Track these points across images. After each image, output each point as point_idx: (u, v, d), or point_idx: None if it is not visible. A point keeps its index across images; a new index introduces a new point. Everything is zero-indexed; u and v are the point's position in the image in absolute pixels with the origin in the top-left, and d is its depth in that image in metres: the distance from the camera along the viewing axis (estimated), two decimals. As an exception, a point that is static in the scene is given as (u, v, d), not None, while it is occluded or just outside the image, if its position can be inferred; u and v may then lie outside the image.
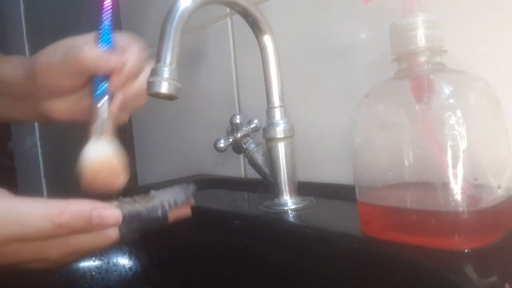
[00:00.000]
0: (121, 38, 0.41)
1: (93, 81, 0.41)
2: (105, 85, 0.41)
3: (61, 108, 0.44)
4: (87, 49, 0.39)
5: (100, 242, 0.32)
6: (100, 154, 0.38)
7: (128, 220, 0.32)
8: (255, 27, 0.45)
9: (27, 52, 1.24)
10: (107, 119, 0.40)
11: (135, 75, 0.41)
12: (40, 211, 0.29)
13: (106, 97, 0.40)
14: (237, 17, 0.54)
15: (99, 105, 0.40)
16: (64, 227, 0.29)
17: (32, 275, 0.50)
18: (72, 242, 0.31)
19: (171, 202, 0.35)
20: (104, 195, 0.36)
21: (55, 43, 0.42)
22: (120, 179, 0.38)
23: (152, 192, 0.41)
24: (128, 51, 0.40)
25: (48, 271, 0.51)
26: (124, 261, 0.55)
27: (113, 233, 0.32)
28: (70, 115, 0.45)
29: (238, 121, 0.52)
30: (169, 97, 0.37)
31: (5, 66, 0.45)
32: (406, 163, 0.30)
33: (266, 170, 0.48)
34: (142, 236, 0.57)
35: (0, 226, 0.28)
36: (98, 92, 0.41)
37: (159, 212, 0.34)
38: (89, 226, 0.30)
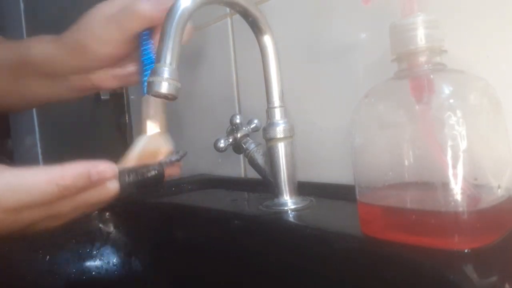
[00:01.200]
0: None
1: (141, 64, 0.42)
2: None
3: (110, 76, 0.45)
4: (141, 2, 0.40)
5: (104, 195, 0.34)
6: (150, 149, 0.40)
7: (127, 173, 0.35)
8: (255, 27, 0.45)
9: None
10: (160, 111, 0.42)
11: None
12: (44, 177, 0.31)
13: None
14: (237, 17, 0.54)
15: (150, 97, 0.41)
16: (68, 188, 0.31)
17: (33, 275, 0.51)
18: (79, 198, 0.33)
19: (167, 160, 0.39)
20: None
21: (90, 13, 0.43)
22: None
23: None
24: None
25: (49, 271, 0.51)
26: (124, 261, 0.55)
27: (114, 186, 0.34)
28: (117, 82, 0.46)
29: (238, 121, 0.52)
30: (169, 97, 0.37)
31: (35, 47, 0.46)
32: (406, 163, 0.30)
33: (266, 170, 0.48)
34: (142, 235, 0.57)
35: (10, 196, 0.30)
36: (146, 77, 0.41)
37: (156, 167, 0.37)
38: (90, 183, 0.32)
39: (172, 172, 0.39)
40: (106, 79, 0.46)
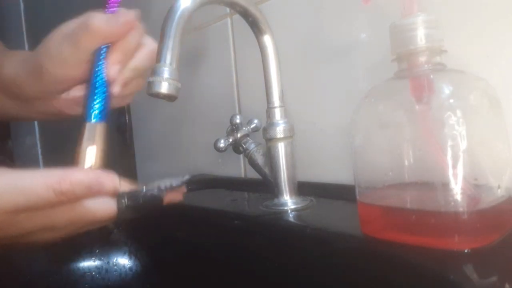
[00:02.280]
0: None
1: (88, 88, 0.39)
2: (103, 96, 0.39)
3: (70, 100, 0.42)
4: (96, 15, 0.38)
5: (100, 214, 0.33)
6: None
7: (125, 196, 0.34)
8: (255, 27, 0.45)
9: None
10: (101, 143, 0.38)
11: (137, 43, 0.40)
12: (42, 181, 0.30)
13: (101, 112, 0.38)
14: (237, 17, 0.54)
15: (92, 122, 0.38)
16: (65, 194, 0.30)
17: (33, 275, 0.51)
18: (75, 210, 0.32)
19: (167, 185, 0.37)
20: None
21: (51, 33, 0.40)
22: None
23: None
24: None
25: (49, 271, 0.51)
26: (124, 261, 0.55)
27: (111, 207, 0.33)
28: (81, 107, 0.42)
29: (238, 121, 0.52)
30: (169, 97, 0.37)
31: (8, 63, 0.43)
32: (406, 163, 0.30)
33: (266, 170, 0.48)
34: (142, 235, 0.57)
35: (7, 198, 0.29)
36: (94, 106, 0.38)
37: (155, 191, 0.36)
38: (90, 192, 0.31)
39: (172, 198, 0.37)
40: (67, 104, 0.43)
